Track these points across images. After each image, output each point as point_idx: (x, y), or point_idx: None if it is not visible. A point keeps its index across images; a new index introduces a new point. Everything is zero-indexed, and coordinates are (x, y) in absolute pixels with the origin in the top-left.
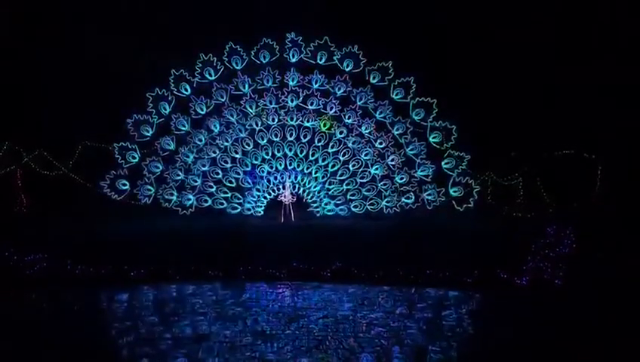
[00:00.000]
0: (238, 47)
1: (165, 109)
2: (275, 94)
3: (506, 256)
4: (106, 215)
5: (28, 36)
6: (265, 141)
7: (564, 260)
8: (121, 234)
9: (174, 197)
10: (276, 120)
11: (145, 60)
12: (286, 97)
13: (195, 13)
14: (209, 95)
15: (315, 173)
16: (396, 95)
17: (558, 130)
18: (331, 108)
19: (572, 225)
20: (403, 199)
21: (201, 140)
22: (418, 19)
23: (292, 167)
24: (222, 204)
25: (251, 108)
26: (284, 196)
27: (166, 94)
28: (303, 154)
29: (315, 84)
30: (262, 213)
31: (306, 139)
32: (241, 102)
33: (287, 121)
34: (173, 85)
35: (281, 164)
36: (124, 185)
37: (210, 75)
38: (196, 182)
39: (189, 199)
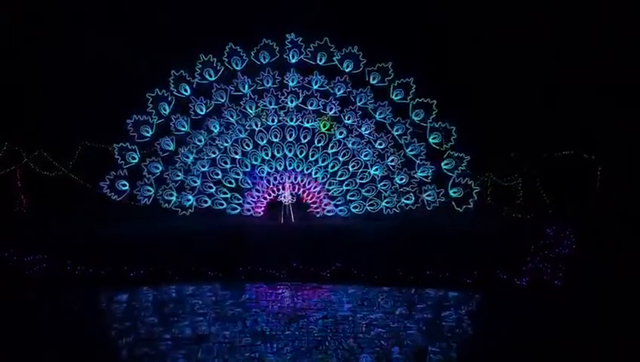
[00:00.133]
0: (237, 47)
1: (165, 110)
2: (275, 95)
3: (506, 256)
4: (105, 215)
5: (28, 36)
6: (264, 142)
7: (564, 261)
8: (120, 235)
9: (174, 198)
10: (276, 120)
11: (145, 61)
12: (286, 98)
13: (195, 14)
14: (209, 96)
15: (315, 173)
16: (396, 96)
17: (558, 131)
18: (331, 109)
19: (571, 225)
20: (403, 200)
21: (200, 141)
22: (418, 20)
23: (292, 167)
24: (221, 204)
25: (251, 109)
26: (284, 197)
27: (166, 95)
28: (303, 155)
29: (315, 84)
30: (261, 213)
31: (306, 140)
32: (241, 102)
33: (286, 121)
34: (173, 86)
35: (280, 165)
36: (124, 185)
37: (210, 75)
38: (196, 182)
39: (189, 200)
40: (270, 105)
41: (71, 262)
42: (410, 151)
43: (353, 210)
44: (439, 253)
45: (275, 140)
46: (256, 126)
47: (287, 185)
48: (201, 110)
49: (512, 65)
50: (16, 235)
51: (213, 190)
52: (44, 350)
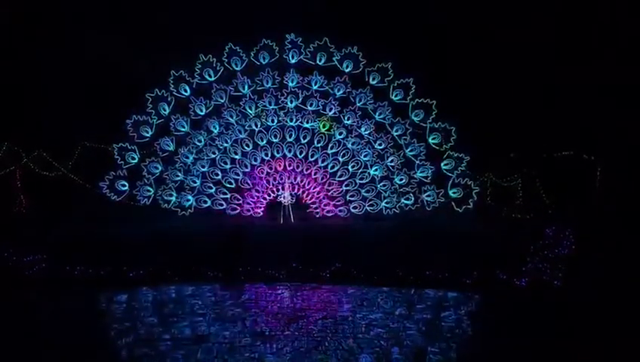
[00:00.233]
0: (237, 48)
1: (165, 110)
2: (275, 95)
3: (506, 257)
4: (105, 216)
5: (28, 36)
6: (264, 142)
7: (563, 261)
8: (120, 235)
9: (173, 198)
10: (275, 121)
11: (144, 61)
12: (285, 98)
13: (194, 14)
14: (208, 96)
15: (315, 174)
16: (395, 96)
17: (558, 131)
18: (331, 110)
19: (571, 226)
20: (402, 200)
21: (200, 141)
22: (417, 20)
23: (291, 168)
24: (221, 204)
25: (251, 110)
26: (284, 197)
27: (165, 95)
28: (303, 156)
29: (315, 85)
30: (261, 213)
31: (306, 140)
32: (241, 103)
33: (286, 122)
34: (172, 86)
35: (280, 165)
36: (124, 185)
37: (210, 75)
38: (195, 183)
39: (189, 200)
40: (270, 105)
41: (70, 263)
42: (410, 151)
43: (353, 211)
44: (439, 253)
45: (274, 140)
46: (256, 126)
47: (286, 185)
48: (201, 110)
49: (511, 66)
50: (15, 235)
51: (212, 190)
52: (43, 350)
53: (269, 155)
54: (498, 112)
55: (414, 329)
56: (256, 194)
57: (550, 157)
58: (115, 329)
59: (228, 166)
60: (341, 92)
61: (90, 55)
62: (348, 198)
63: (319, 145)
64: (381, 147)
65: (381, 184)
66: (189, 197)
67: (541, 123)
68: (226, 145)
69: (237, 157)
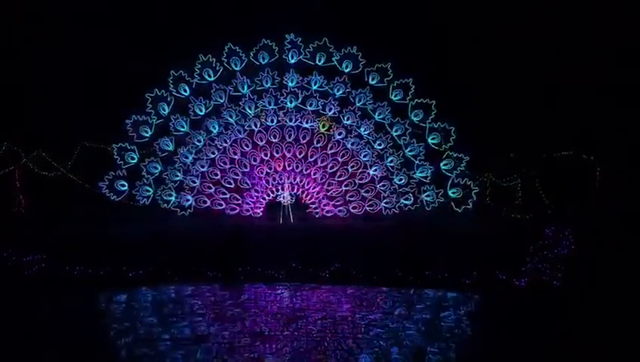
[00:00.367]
0: (237, 48)
1: (164, 110)
2: (274, 95)
3: (505, 257)
4: (104, 216)
5: (27, 36)
6: (264, 142)
7: (563, 261)
8: (119, 235)
9: (173, 198)
10: (275, 121)
11: (144, 61)
12: (285, 98)
13: (194, 14)
14: (208, 96)
15: (314, 174)
16: (395, 96)
17: (557, 131)
18: (330, 110)
19: (571, 226)
20: (402, 200)
21: (200, 141)
22: (417, 20)
23: (291, 168)
24: (220, 204)
25: (250, 110)
26: (283, 197)
27: (165, 95)
28: (302, 156)
29: (314, 85)
30: (260, 213)
31: (305, 141)
32: (240, 103)
33: (285, 122)
34: (172, 86)
35: (279, 165)
36: (123, 185)
37: (210, 75)
38: (195, 182)
39: (188, 200)
40: (269, 105)
41: (70, 263)
42: (410, 151)
43: (352, 211)
44: (438, 253)
45: (274, 140)
46: (256, 126)
47: (286, 185)
48: (201, 110)
49: (511, 66)
50: (15, 235)
51: (212, 190)
52: (43, 350)
53: (269, 155)
54: (498, 112)
55: (414, 329)
56: (256, 194)
57: (550, 157)
58: (115, 329)
59: (227, 166)
60: (340, 92)
61: (89, 55)
62: (347, 198)
63: (319, 145)
64: (380, 147)
65: (380, 184)
66: (189, 197)
67: (541, 123)
68: (225, 145)
69: (236, 157)
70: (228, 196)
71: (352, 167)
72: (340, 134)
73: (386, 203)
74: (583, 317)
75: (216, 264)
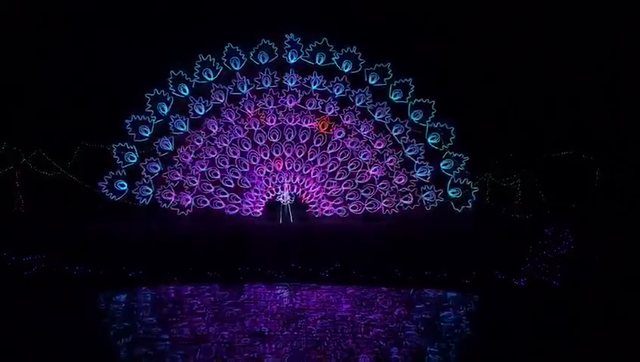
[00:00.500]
0: (236, 47)
1: (164, 110)
2: (274, 95)
3: (504, 257)
4: (104, 216)
5: (27, 36)
6: (263, 142)
7: (562, 261)
8: (119, 235)
9: (172, 198)
10: (275, 121)
11: (144, 61)
12: (285, 98)
13: (194, 14)
14: (208, 96)
15: (314, 174)
16: (395, 96)
17: (557, 131)
18: (330, 110)
19: (570, 226)
20: (401, 200)
21: (199, 141)
22: (417, 20)
23: (290, 168)
24: (220, 204)
25: (250, 109)
26: (283, 197)
27: (164, 95)
28: (302, 155)
29: (314, 85)
30: (260, 213)
31: (305, 140)
32: (240, 103)
33: (285, 121)
34: (171, 86)
35: (279, 165)
36: (123, 185)
37: (209, 75)
38: (194, 182)
39: (188, 200)
40: (269, 105)
41: (69, 262)
42: (409, 151)
43: (352, 211)
44: (438, 253)
45: (273, 140)
46: (255, 126)
47: (285, 185)
48: (200, 110)
49: (511, 65)
50: (14, 235)
51: (212, 190)
52: (42, 350)
53: (268, 155)
54: (497, 112)
55: (413, 329)
56: (256, 194)
57: (549, 157)
58: (114, 329)
59: (227, 166)
60: (340, 92)
61: (89, 55)
62: (347, 198)
63: (318, 145)
64: (380, 147)
65: (380, 184)
66: (188, 197)
67: (540, 123)
68: (225, 145)
69: (236, 157)
70: (227, 196)
71: (351, 166)
72: (339, 134)
73: (385, 203)
74: (581, 317)
75: (215, 264)
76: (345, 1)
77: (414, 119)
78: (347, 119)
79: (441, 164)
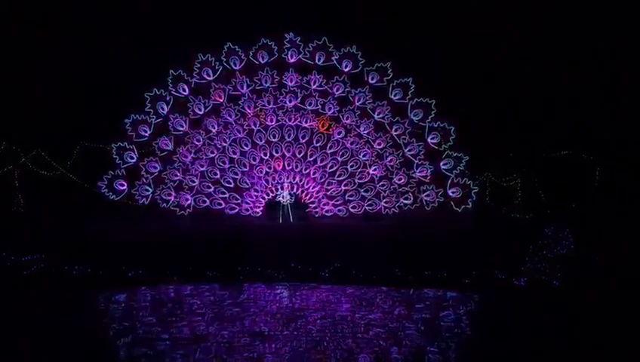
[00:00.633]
0: (236, 47)
1: (163, 109)
2: (274, 95)
3: (504, 256)
4: (103, 215)
5: (27, 36)
6: (263, 142)
7: (562, 261)
8: (118, 235)
9: (172, 198)
10: (274, 120)
11: (143, 60)
12: (284, 98)
13: (193, 13)
14: (207, 95)
15: (314, 173)
16: (395, 96)
17: (557, 131)
18: (330, 109)
19: (570, 226)
20: (401, 200)
21: (199, 140)
22: (416, 20)
23: (290, 167)
24: (220, 204)
25: (249, 109)
26: (283, 197)
27: (164, 94)
28: (302, 155)
29: (314, 84)
30: (260, 213)
31: (305, 140)
32: (240, 102)
33: (285, 121)
34: (171, 85)
35: (279, 165)
36: (122, 185)
37: (209, 75)
38: (194, 182)
39: (187, 199)
40: (269, 105)
41: (69, 262)
42: (409, 151)
43: (352, 210)
44: (438, 253)
45: (273, 140)
46: (255, 126)
47: (285, 185)
48: (200, 110)
49: (510, 65)
50: (14, 235)
51: (211, 190)
52: (42, 350)
53: (268, 155)
54: (497, 112)
55: (413, 328)
56: (255, 193)
57: (549, 157)
58: (114, 328)
59: (227, 165)
60: (340, 91)
61: (88, 54)
62: (347, 198)
63: (318, 144)
64: (380, 147)
65: (380, 183)
66: (188, 196)
67: (540, 123)
68: (224, 144)
69: (236, 156)
70: (227, 196)
71: (351, 166)
72: (339, 133)
73: (385, 202)
74: (581, 317)
75: (215, 263)
76: (345, 1)
77: (414, 119)
78: (347, 119)
79: (441, 164)
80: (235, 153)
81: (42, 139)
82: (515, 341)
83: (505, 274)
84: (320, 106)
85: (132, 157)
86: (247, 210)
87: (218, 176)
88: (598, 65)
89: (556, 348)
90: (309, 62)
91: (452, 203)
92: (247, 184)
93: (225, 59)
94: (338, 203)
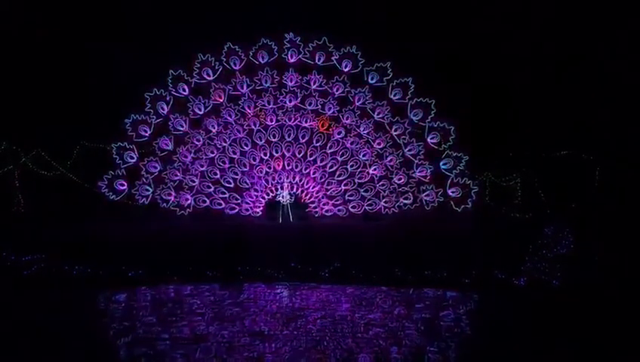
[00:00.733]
0: (236, 47)
1: (163, 109)
2: (274, 95)
3: (504, 256)
4: (103, 215)
5: (26, 35)
6: (263, 141)
7: (562, 261)
8: (118, 235)
9: (172, 198)
10: (274, 120)
11: (143, 60)
12: (284, 98)
13: (193, 13)
14: (207, 95)
15: (314, 173)
16: (394, 95)
17: (557, 131)
18: (329, 109)
19: (570, 225)
20: (401, 200)
21: (199, 140)
22: (416, 20)
23: (290, 167)
24: (220, 204)
25: (249, 109)
26: (282, 196)
27: (164, 94)
28: (301, 155)
29: (314, 84)
30: (260, 213)
31: (305, 140)
32: (240, 102)
33: (285, 121)
34: (171, 85)
35: (279, 165)
36: (122, 185)
37: (209, 75)
38: (194, 182)
39: (187, 199)
40: (269, 104)
41: (69, 262)
42: (409, 150)
43: (352, 210)
44: (437, 252)
45: (273, 140)
46: (255, 126)
47: (285, 184)
48: (200, 110)
49: (511, 65)
50: (14, 235)
51: (211, 190)
52: (42, 350)
53: (268, 155)
54: (497, 112)
55: (413, 328)
56: (255, 193)
57: (549, 156)
58: (114, 328)
59: (227, 165)
60: (340, 91)
61: (88, 55)
62: (347, 198)
63: (318, 144)
64: (380, 146)
65: (380, 183)
66: (188, 196)
67: (540, 122)
68: (224, 144)
69: (235, 156)
70: (227, 195)
71: (351, 166)
72: (339, 133)
73: (385, 202)
74: (581, 317)
75: (215, 263)
76: (345, 1)
77: (414, 118)
78: (347, 118)
79: (441, 164)
80: (235, 153)
81: (42, 139)
82: (514, 341)
83: (505, 273)
84: (320, 106)
85: (132, 157)
86: (247, 209)
87: (218, 176)
88: (598, 65)
89: (556, 348)
90: (309, 62)
91: (452, 203)
92: (247, 184)
93: (225, 59)
94: (338, 203)
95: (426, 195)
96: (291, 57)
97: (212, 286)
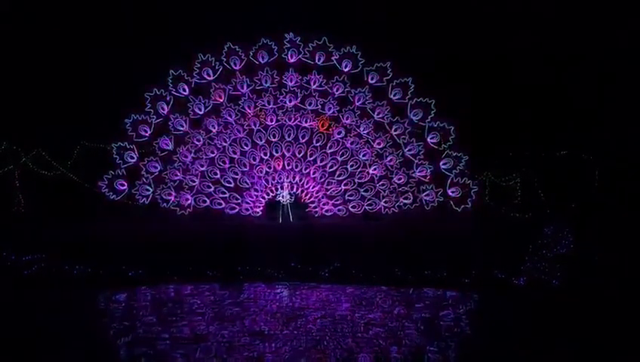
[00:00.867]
0: (236, 47)
1: (163, 109)
2: (274, 95)
3: (504, 256)
4: (104, 215)
5: (26, 35)
6: (263, 141)
7: (562, 260)
8: (119, 235)
9: (172, 198)
10: (274, 120)
11: (144, 60)
12: (284, 98)
13: (193, 13)
14: (207, 95)
15: (313, 173)
16: (394, 95)
17: (557, 131)
18: (329, 109)
19: (570, 225)
20: (401, 199)
21: (199, 140)
22: (416, 20)
23: (290, 167)
24: (220, 204)
25: (249, 109)
26: (282, 196)
27: (164, 94)
28: (301, 155)
29: (314, 84)
30: (260, 213)
31: (305, 140)
32: (240, 102)
33: (285, 121)
34: (171, 85)
35: (279, 165)
36: (123, 185)
37: (209, 75)
38: (194, 182)
39: (187, 199)
40: (269, 104)
41: (69, 262)
42: (409, 150)
43: (351, 210)
44: (437, 252)
45: (273, 140)
46: (255, 125)
47: (285, 184)
48: (200, 110)
49: (511, 65)
50: (14, 235)
51: (211, 190)
52: (42, 350)
53: (268, 155)
54: (497, 112)
55: (413, 328)
56: (255, 193)
57: (549, 156)
58: (114, 328)
59: (227, 165)
60: (340, 91)
61: (88, 55)
62: (347, 198)
63: (318, 144)
64: (380, 146)
65: (380, 183)
66: (188, 196)
67: (540, 122)
68: (224, 144)
69: (236, 156)
70: (227, 195)
71: (351, 166)
72: (339, 133)
73: (385, 202)
74: (581, 317)
75: (215, 263)
76: (345, 1)
77: (414, 118)
78: (347, 118)
79: (441, 164)
80: (235, 153)
81: (42, 139)
82: (514, 341)
83: (504, 273)
84: (320, 106)
85: (132, 157)
86: (247, 209)
87: (218, 175)
88: (598, 65)
89: (556, 348)
90: (309, 62)
91: (452, 202)
92: (247, 184)
93: (225, 59)
94: (338, 202)
95: (425, 195)
96: (291, 57)
97: (212, 286)
